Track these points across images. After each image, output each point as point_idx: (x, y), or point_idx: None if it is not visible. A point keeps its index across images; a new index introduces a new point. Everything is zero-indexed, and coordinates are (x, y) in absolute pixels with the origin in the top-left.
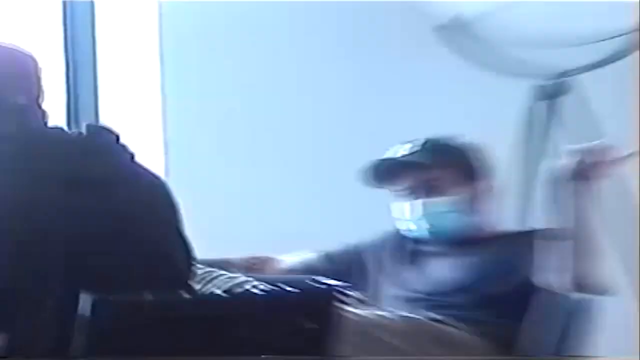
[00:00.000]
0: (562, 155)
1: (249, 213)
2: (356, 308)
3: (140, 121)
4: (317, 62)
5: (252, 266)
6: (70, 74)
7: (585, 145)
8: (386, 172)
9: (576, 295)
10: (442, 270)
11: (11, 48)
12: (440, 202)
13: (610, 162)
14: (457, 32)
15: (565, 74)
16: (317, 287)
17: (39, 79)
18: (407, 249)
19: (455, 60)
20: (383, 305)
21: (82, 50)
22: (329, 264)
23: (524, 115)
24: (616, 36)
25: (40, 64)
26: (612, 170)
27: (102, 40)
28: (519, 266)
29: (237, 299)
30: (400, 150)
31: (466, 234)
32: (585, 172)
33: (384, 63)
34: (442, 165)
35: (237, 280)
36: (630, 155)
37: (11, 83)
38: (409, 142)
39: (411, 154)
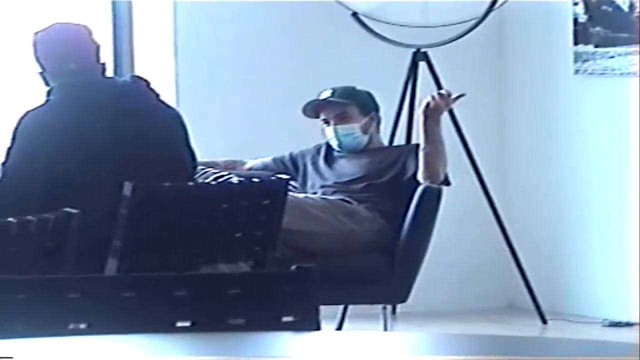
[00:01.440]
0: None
1: (232, 132)
2: (294, 192)
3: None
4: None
5: (229, 166)
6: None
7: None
8: (315, 107)
9: (428, 185)
10: (347, 168)
11: (64, 24)
12: (346, 127)
13: (446, 100)
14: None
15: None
16: (272, 179)
17: (90, 44)
18: (327, 156)
19: (363, 37)
20: (310, 191)
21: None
22: (278, 165)
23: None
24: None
25: (92, 32)
26: (448, 105)
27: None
28: (396, 166)
29: (221, 186)
30: (323, 94)
31: (362, 147)
32: (432, 106)
33: (319, 45)
34: (347, 104)
35: (220, 174)
36: (459, 97)
37: (63, 54)
38: (328, 89)
39: (328, 96)
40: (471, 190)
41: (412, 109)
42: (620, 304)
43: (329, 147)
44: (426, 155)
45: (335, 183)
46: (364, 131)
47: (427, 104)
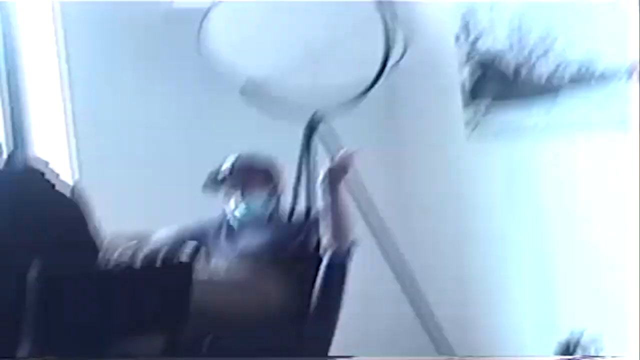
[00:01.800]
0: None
1: (139, 205)
2: (200, 265)
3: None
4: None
5: (136, 237)
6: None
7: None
8: (217, 177)
9: (334, 251)
10: (253, 240)
11: None
12: (254, 194)
13: (345, 162)
14: (254, 90)
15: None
16: (178, 260)
17: None
18: (231, 227)
19: (255, 111)
20: (216, 263)
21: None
22: (184, 235)
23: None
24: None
25: None
26: (349, 166)
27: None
28: (299, 236)
29: (124, 272)
30: (226, 163)
31: (267, 216)
32: (333, 170)
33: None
34: (253, 169)
35: (126, 249)
36: (353, 152)
37: None
38: (229, 159)
39: (232, 163)
40: (378, 250)
41: (310, 175)
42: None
43: (233, 216)
44: (333, 221)
45: (239, 255)
46: (269, 199)
47: (330, 167)
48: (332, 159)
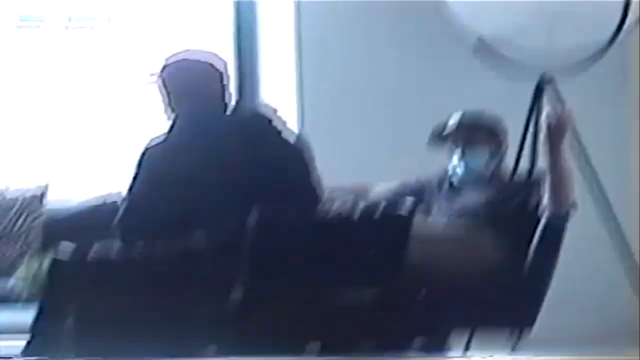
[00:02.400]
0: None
1: (357, 157)
2: (418, 219)
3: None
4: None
5: (356, 190)
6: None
7: (550, 109)
8: (442, 132)
9: (552, 217)
10: (473, 197)
11: (194, 61)
12: (474, 153)
13: (563, 122)
14: (485, 49)
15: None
16: (399, 204)
17: (217, 85)
18: (453, 182)
19: (484, 69)
20: (436, 217)
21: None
22: (405, 190)
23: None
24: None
25: (221, 68)
26: (567, 126)
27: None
28: (520, 195)
29: (347, 214)
30: (451, 119)
31: (489, 173)
32: (552, 130)
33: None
34: (475, 127)
35: (346, 200)
36: (570, 112)
37: (206, 79)
38: (455, 115)
39: (457, 121)
40: (597, 215)
41: (536, 135)
42: None
43: (454, 173)
44: (552, 182)
45: (461, 209)
46: (492, 156)
47: (549, 126)
48: (551, 119)
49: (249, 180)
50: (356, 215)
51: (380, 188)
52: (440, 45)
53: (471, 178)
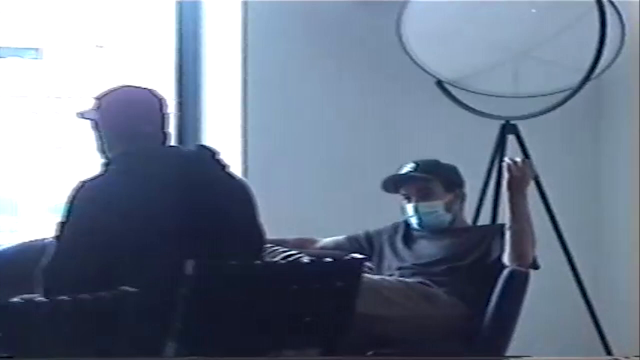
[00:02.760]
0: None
1: (303, 208)
2: (368, 274)
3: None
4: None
5: (299, 244)
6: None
7: (510, 160)
8: (396, 182)
9: (513, 268)
10: (428, 249)
11: (133, 88)
12: (428, 204)
13: (522, 171)
14: (449, 86)
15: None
16: (346, 258)
17: (163, 114)
18: (406, 235)
19: (445, 107)
20: (387, 273)
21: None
22: (352, 244)
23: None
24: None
25: (165, 103)
26: (527, 176)
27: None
28: (480, 247)
29: (291, 265)
30: (404, 168)
31: (445, 226)
32: (513, 181)
33: (397, 109)
34: (430, 179)
35: (289, 253)
36: (529, 162)
37: (137, 116)
38: (409, 163)
39: (410, 170)
40: (561, 272)
41: (498, 185)
42: None
43: (407, 225)
44: (513, 235)
45: (414, 265)
46: (447, 209)
47: (509, 176)
48: (512, 169)
49: (191, 219)
50: (301, 271)
51: (326, 242)
52: (403, 83)
53: (426, 230)
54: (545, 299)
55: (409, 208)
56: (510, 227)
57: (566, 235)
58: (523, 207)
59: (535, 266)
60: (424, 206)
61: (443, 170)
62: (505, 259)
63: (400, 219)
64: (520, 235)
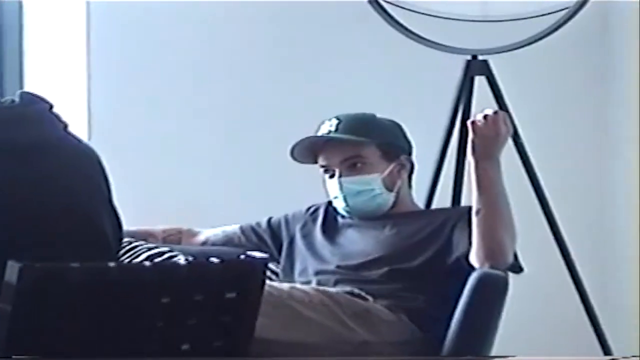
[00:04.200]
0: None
1: (173, 185)
2: (273, 280)
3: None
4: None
5: (171, 238)
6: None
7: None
8: (311, 147)
9: (485, 270)
10: (360, 245)
11: None
12: (359, 179)
13: (501, 133)
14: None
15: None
16: (241, 259)
17: None
18: (328, 225)
19: (385, 32)
20: (300, 279)
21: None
22: (249, 238)
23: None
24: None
25: None
26: (508, 133)
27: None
28: (436, 241)
29: (161, 269)
30: (323, 126)
31: (384, 211)
32: (481, 143)
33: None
34: (361, 142)
35: (156, 251)
36: (503, 114)
37: None
38: (331, 119)
39: (331, 130)
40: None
41: (463, 150)
42: None
43: (330, 210)
44: (483, 222)
45: (340, 267)
46: (388, 186)
47: (476, 135)
48: (475, 125)
49: (18, 201)
50: (174, 277)
51: (210, 235)
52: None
53: (357, 218)
54: (539, 298)
55: (332, 185)
56: (479, 211)
57: (561, 224)
58: (496, 180)
59: (517, 267)
60: (353, 182)
61: (380, 130)
62: (473, 257)
63: (320, 201)
64: (493, 223)
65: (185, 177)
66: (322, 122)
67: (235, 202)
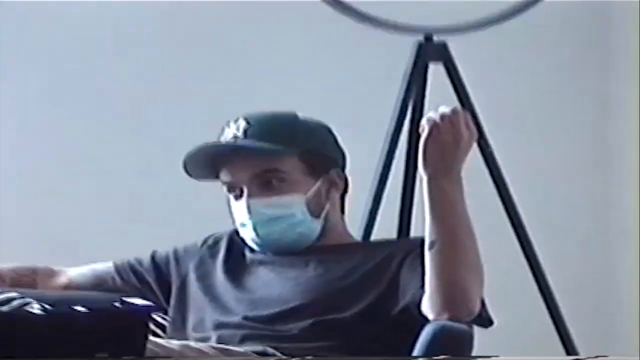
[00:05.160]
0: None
1: (30, 213)
2: (158, 337)
3: None
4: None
5: (20, 279)
6: None
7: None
8: (211, 158)
9: (443, 323)
10: (275, 288)
11: None
12: (275, 202)
13: (463, 138)
14: None
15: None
16: (115, 307)
17: None
18: (233, 261)
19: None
20: (195, 334)
21: None
22: (126, 279)
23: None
24: None
25: None
26: (467, 147)
27: None
28: (377, 285)
29: (7, 321)
30: (228, 130)
31: (308, 244)
32: (435, 151)
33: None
34: (277, 152)
35: (6, 296)
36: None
37: None
38: (237, 120)
39: (238, 135)
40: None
41: (413, 161)
42: None
43: (237, 242)
44: (439, 257)
45: (248, 319)
46: (313, 210)
47: (429, 140)
48: (429, 126)
49: None
50: (30, 330)
51: (76, 275)
52: None
53: (271, 252)
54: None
55: (238, 209)
56: (434, 244)
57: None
58: (455, 203)
59: (485, 320)
60: (267, 205)
61: (303, 135)
62: (426, 305)
63: (223, 230)
64: (452, 259)
65: (46, 203)
66: (226, 125)
67: (109, 234)
